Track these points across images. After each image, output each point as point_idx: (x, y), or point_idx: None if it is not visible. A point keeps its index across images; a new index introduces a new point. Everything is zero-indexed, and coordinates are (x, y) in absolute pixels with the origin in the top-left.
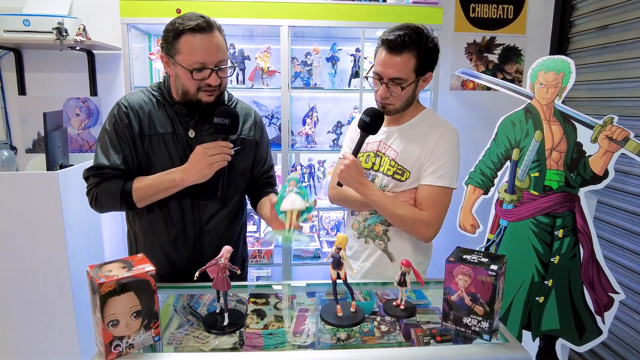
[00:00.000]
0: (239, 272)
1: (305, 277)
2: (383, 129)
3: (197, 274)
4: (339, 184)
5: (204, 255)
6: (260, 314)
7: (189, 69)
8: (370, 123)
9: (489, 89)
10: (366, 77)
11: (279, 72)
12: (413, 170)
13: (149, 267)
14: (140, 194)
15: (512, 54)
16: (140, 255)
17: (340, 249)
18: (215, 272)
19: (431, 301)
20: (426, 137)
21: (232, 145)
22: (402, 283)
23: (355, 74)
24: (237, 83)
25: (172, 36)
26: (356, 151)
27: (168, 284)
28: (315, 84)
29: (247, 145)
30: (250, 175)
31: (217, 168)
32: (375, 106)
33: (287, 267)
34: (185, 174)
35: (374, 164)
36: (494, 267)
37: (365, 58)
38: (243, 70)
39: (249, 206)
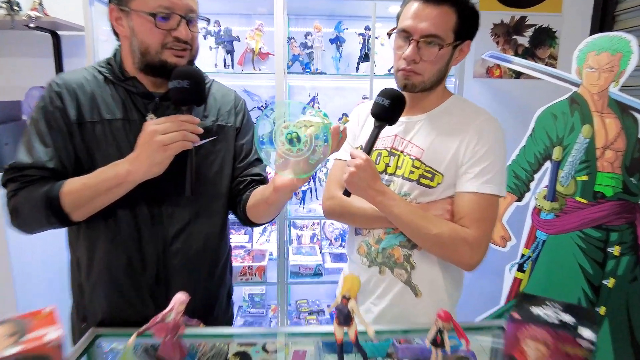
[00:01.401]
0: (201, 326)
1: (305, 296)
2: (400, 119)
3: (130, 340)
4: (346, 193)
5: (171, 287)
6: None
7: (151, 12)
8: (390, 108)
9: (518, 76)
10: (389, 35)
11: (273, 55)
12: (447, 173)
13: (54, 333)
14: (73, 199)
15: (545, 36)
16: (48, 309)
17: (348, 298)
18: (163, 333)
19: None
20: (463, 129)
21: (197, 120)
22: (438, 343)
23: (365, 57)
24: (225, 67)
25: None
26: (369, 148)
27: (121, 330)
28: (317, 69)
29: (225, 134)
30: (232, 172)
31: (175, 151)
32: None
33: (283, 285)
34: (132, 164)
35: (387, 165)
36: (586, 333)
37: (376, 38)
38: (231, 53)
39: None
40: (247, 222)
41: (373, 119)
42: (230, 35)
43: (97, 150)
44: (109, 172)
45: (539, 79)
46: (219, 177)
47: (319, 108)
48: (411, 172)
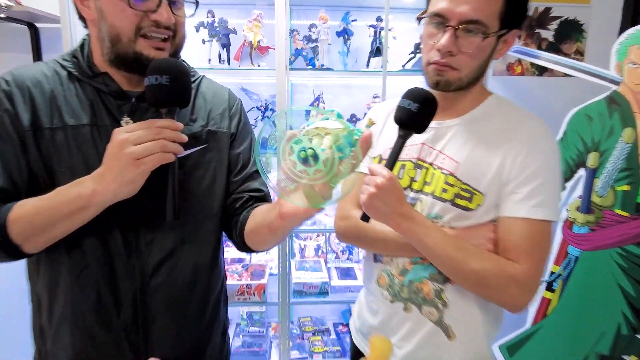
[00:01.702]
0: None
1: (309, 313)
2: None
3: None
4: (364, 218)
5: (151, 331)
6: None
7: None
8: (419, 113)
9: (542, 73)
10: (418, 19)
11: (274, 49)
12: (489, 193)
13: None
14: (24, 227)
15: (571, 30)
16: None
17: None
18: None
19: None
20: (508, 137)
21: (180, 125)
22: None
23: (376, 52)
24: (220, 62)
25: None
26: (392, 162)
27: None
28: (323, 65)
29: (218, 141)
30: (226, 188)
31: (151, 165)
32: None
33: (285, 305)
34: (98, 182)
35: (412, 180)
36: None
37: (390, 30)
38: (227, 46)
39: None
40: (244, 249)
41: (396, 126)
42: (226, 27)
43: (57, 164)
44: (69, 193)
45: (566, 75)
46: (210, 194)
47: (323, 108)
48: (444, 190)
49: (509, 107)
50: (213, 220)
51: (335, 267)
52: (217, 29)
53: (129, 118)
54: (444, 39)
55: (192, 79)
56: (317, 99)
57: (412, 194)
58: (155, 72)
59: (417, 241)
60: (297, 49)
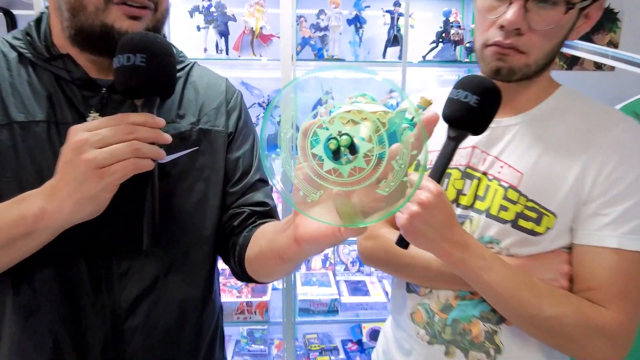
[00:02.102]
0: None
1: (315, 329)
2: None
3: None
4: (401, 243)
5: None
6: None
7: None
8: (479, 107)
9: (571, 67)
10: None
11: (278, 37)
12: (563, 214)
13: None
14: None
15: (604, 19)
16: None
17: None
18: None
19: None
20: (588, 141)
21: (161, 121)
22: None
23: (393, 41)
24: (217, 52)
25: None
26: (440, 173)
27: None
28: (333, 56)
29: (212, 143)
30: (222, 201)
31: (119, 176)
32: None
33: (290, 325)
34: (48, 199)
35: (460, 192)
36: None
37: (410, 15)
38: (225, 35)
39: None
40: (244, 278)
41: (443, 124)
42: (224, 13)
43: (1, 171)
44: (10, 213)
45: (599, 69)
46: (202, 211)
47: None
48: (503, 207)
49: (587, 101)
50: (206, 244)
51: (345, 281)
52: (215, 14)
53: (98, 114)
54: (511, 12)
55: (181, 65)
56: (327, 94)
57: (459, 211)
58: (127, 50)
59: (473, 276)
60: (303, 37)
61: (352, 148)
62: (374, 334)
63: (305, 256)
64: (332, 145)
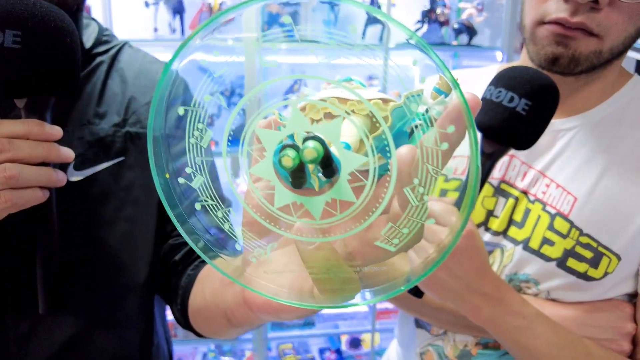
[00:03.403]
0: None
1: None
2: None
3: None
4: (416, 293)
5: None
6: None
7: None
8: (530, 115)
9: None
10: None
11: (241, 15)
12: (629, 254)
13: None
14: None
15: None
16: None
17: None
18: None
19: None
20: None
21: (57, 131)
22: None
23: (374, 19)
24: (171, 33)
25: None
26: (472, 198)
27: None
28: (305, 37)
29: (143, 150)
30: (160, 230)
31: None
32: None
33: (261, 341)
34: None
35: (490, 214)
36: None
37: None
38: (180, 13)
39: None
40: (190, 329)
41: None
42: None
43: None
44: None
45: None
46: (131, 246)
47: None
48: (547, 240)
49: None
50: (140, 289)
51: None
52: None
53: None
54: None
55: (105, 47)
56: (297, 82)
57: (487, 237)
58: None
59: (507, 337)
60: (271, 14)
61: (327, 164)
62: (354, 342)
63: (262, 322)
64: (287, 161)
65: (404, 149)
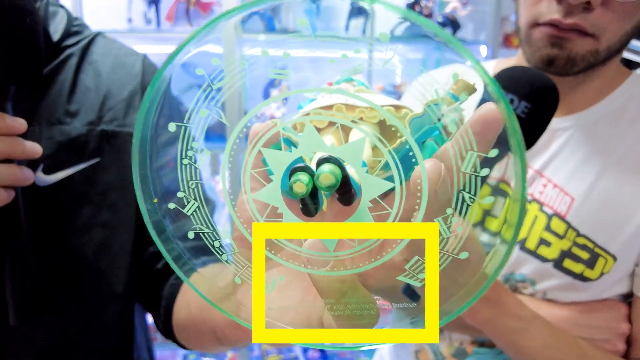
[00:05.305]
0: None
1: None
2: None
3: None
4: (411, 295)
5: None
6: None
7: None
8: (530, 117)
9: None
10: None
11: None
12: (625, 255)
13: None
14: None
15: None
16: None
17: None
18: None
19: None
20: None
21: (20, 123)
22: None
23: (358, 11)
24: (146, 24)
25: None
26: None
27: None
28: (287, 29)
29: (121, 151)
30: (139, 237)
31: None
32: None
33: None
34: None
35: (487, 214)
36: None
37: None
38: (155, 2)
39: None
40: (174, 340)
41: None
42: None
43: None
44: None
45: None
46: (108, 254)
47: (287, 89)
48: (544, 241)
49: None
50: (118, 302)
51: None
52: None
53: None
54: None
55: (76, 39)
56: (279, 73)
57: (485, 238)
58: None
59: (504, 339)
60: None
61: (346, 190)
62: None
63: (252, 342)
64: (300, 187)
65: (431, 166)
